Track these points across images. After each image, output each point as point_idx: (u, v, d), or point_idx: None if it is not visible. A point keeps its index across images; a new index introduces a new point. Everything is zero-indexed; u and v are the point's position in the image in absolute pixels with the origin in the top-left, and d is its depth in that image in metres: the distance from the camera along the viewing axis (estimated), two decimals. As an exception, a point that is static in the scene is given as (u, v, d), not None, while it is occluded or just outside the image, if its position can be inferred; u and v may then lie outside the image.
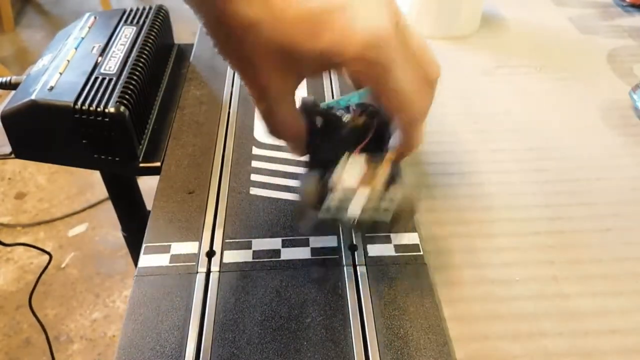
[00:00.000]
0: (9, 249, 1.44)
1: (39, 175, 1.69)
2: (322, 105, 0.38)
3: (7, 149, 0.46)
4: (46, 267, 0.65)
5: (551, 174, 0.45)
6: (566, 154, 0.47)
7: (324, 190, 0.33)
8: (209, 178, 0.41)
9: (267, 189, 0.41)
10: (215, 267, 0.35)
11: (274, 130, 0.34)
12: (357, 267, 0.35)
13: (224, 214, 0.39)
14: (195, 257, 0.36)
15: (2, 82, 0.51)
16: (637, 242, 0.40)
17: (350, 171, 0.33)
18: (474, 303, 0.36)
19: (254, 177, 0.42)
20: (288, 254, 0.36)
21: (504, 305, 0.36)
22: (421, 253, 0.36)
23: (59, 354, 1.23)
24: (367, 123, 0.37)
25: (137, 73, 0.46)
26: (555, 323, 0.35)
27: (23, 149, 0.46)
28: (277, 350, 0.30)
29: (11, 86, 0.50)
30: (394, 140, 0.35)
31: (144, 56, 0.48)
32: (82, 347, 1.26)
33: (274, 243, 0.37)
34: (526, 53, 0.61)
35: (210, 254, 0.36)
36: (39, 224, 1.54)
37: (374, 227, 0.32)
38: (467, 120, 0.51)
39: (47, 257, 0.64)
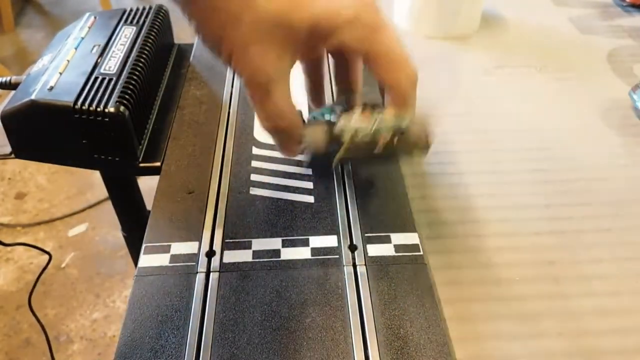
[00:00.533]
0: (9, 249, 1.44)
1: (39, 175, 1.69)
2: (309, 116, 0.39)
3: (7, 149, 0.46)
4: (46, 267, 0.64)
5: (551, 174, 0.45)
6: (566, 154, 0.47)
7: (330, 135, 0.34)
8: (209, 178, 0.41)
9: (267, 189, 0.41)
10: (215, 267, 0.35)
11: (268, 117, 0.34)
12: (357, 267, 0.35)
13: (224, 214, 0.39)
14: (195, 257, 0.36)
15: (2, 82, 0.51)
16: (637, 242, 0.40)
17: (356, 115, 0.34)
18: (474, 303, 0.36)
19: (254, 177, 0.42)
20: (288, 254, 0.36)
21: (504, 305, 0.36)
22: (421, 253, 0.36)
23: (59, 354, 1.23)
24: None
25: (137, 73, 0.46)
26: (555, 323, 0.35)
27: (23, 149, 0.46)
28: (277, 350, 0.30)
29: (11, 86, 0.50)
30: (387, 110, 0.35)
31: (144, 56, 0.48)
32: (82, 347, 1.26)
33: (274, 243, 0.37)
34: (526, 53, 0.61)
35: (210, 254, 0.36)
36: (39, 224, 1.54)
37: (388, 149, 0.33)
38: (467, 120, 0.51)
39: (47, 257, 0.64)
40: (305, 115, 0.41)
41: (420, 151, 0.34)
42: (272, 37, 0.31)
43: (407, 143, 0.34)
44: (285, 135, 0.35)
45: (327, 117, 0.38)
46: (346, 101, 0.39)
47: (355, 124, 0.33)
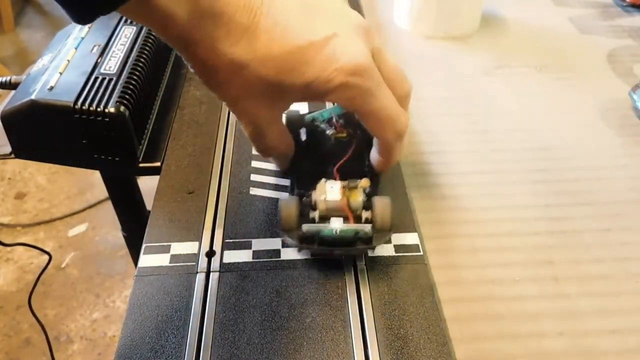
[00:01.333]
0: (9, 249, 1.44)
1: (39, 175, 1.69)
2: (307, 117, 0.40)
3: (7, 149, 0.46)
4: (46, 267, 0.65)
5: (551, 174, 0.45)
6: (566, 154, 0.47)
7: (304, 210, 0.35)
8: (209, 178, 0.41)
9: (267, 189, 0.41)
10: (215, 267, 0.35)
11: (263, 150, 0.37)
12: (357, 267, 0.35)
13: (224, 214, 0.39)
14: (195, 257, 0.36)
15: (2, 82, 0.51)
16: (637, 242, 0.40)
17: (330, 190, 0.35)
18: (474, 303, 0.36)
19: (254, 177, 0.42)
20: (288, 254, 0.36)
21: (504, 305, 0.36)
22: (421, 253, 0.36)
23: (59, 354, 1.23)
24: (350, 135, 0.39)
25: (137, 73, 0.46)
26: (555, 323, 0.35)
27: (23, 149, 0.46)
28: (277, 350, 0.30)
29: (11, 86, 0.50)
30: (374, 155, 0.37)
31: (144, 56, 0.48)
32: (82, 347, 1.26)
33: (274, 243, 0.37)
34: (526, 53, 0.61)
35: (210, 254, 0.36)
36: (39, 224, 1.54)
37: (355, 243, 0.34)
38: (467, 120, 0.51)
39: (47, 257, 0.64)
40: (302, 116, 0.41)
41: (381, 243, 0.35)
42: (263, 95, 0.32)
43: (367, 241, 0.34)
44: (279, 158, 0.39)
45: (325, 116, 0.39)
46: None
47: (325, 208, 0.34)
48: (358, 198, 0.35)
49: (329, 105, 0.42)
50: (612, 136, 0.49)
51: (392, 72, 0.34)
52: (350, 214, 0.34)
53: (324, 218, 0.34)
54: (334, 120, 0.40)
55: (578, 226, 0.41)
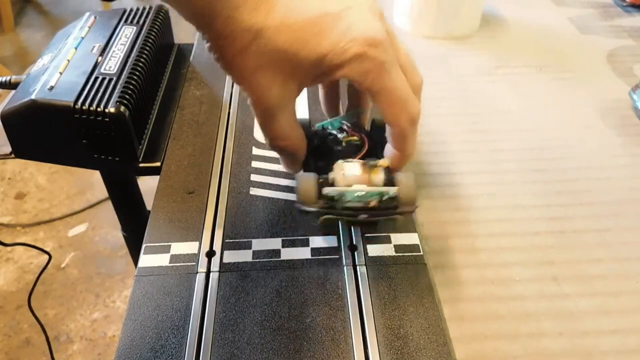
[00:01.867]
0: (9, 249, 1.44)
1: (39, 175, 1.69)
2: (317, 126, 0.39)
3: (7, 149, 0.46)
4: (45, 267, 0.65)
5: (551, 174, 0.45)
6: (566, 154, 0.47)
7: (322, 186, 0.33)
8: (209, 178, 0.41)
9: (267, 189, 0.41)
10: (215, 267, 0.35)
11: (273, 138, 0.35)
12: (357, 267, 0.35)
13: (224, 214, 0.39)
14: (195, 257, 0.36)
15: (2, 82, 0.51)
16: (637, 242, 0.40)
17: (348, 167, 0.33)
18: (474, 303, 0.36)
19: (254, 177, 0.42)
20: (288, 254, 0.36)
21: (504, 305, 0.36)
22: (421, 253, 0.36)
23: (58, 354, 1.23)
24: (362, 138, 0.38)
25: (137, 73, 0.46)
26: (555, 323, 0.35)
27: (23, 149, 0.46)
28: (277, 350, 0.30)
29: (11, 86, 0.50)
30: (388, 149, 0.35)
31: (144, 56, 0.48)
32: (82, 347, 1.26)
33: (274, 243, 0.37)
34: (526, 53, 0.61)
35: (210, 254, 0.36)
36: (39, 224, 1.54)
37: (381, 209, 0.32)
38: (467, 120, 0.51)
39: (47, 257, 0.64)
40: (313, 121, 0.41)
41: (405, 215, 0.34)
42: (277, 67, 0.32)
43: (394, 208, 0.33)
44: (289, 154, 0.37)
45: (335, 125, 0.38)
46: (354, 115, 0.39)
47: (345, 184, 0.33)
48: (379, 175, 0.33)
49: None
50: (612, 136, 0.49)
51: (405, 59, 0.34)
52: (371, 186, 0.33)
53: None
54: (345, 127, 0.39)
55: (578, 226, 0.41)
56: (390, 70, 0.32)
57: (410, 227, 0.37)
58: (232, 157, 0.43)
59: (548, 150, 0.48)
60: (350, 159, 0.34)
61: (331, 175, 0.34)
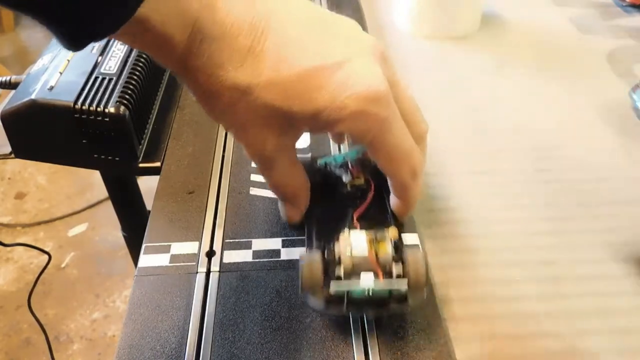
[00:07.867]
0: (8, 249, 1.44)
1: (39, 175, 1.69)
2: (319, 162, 0.38)
3: (7, 149, 0.46)
4: (45, 267, 0.65)
5: (551, 174, 0.45)
6: (566, 154, 0.47)
7: (328, 265, 0.30)
8: (209, 178, 0.41)
9: (267, 189, 0.41)
10: (215, 267, 0.35)
11: (273, 186, 0.34)
12: (357, 267, 0.35)
13: (224, 214, 0.39)
14: (195, 257, 0.36)
15: (2, 82, 0.51)
16: (637, 242, 0.40)
17: (355, 241, 0.31)
18: (474, 303, 0.36)
19: (254, 177, 0.42)
20: (288, 254, 0.36)
21: (504, 305, 0.36)
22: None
23: (58, 354, 1.23)
24: (367, 180, 0.36)
25: (137, 73, 0.46)
26: (555, 323, 0.35)
27: (23, 149, 0.46)
28: (277, 350, 0.30)
29: (11, 86, 0.50)
30: (393, 199, 0.34)
31: (144, 56, 0.48)
32: (82, 347, 1.26)
33: (274, 243, 0.37)
34: (526, 53, 0.61)
35: (210, 254, 0.36)
36: (39, 224, 1.54)
37: (389, 303, 0.30)
38: (467, 120, 0.51)
39: (47, 257, 0.64)
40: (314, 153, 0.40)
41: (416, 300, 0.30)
42: (270, 122, 0.30)
43: (402, 299, 0.30)
44: (290, 201, 0.35)
45: (338, 160, 0.37)
46: (359, 152, 0.37)
47: (351, 265, 0.30)
48: (387, 251, 0.30)
49: (341, 149, 0.41)
50: (612, 136, 0.49)
51: (409, 108, 0.32)
52: (379, 269, 0.30)
53: (349, 274, 0.30)
54: (349, 165, 0.37)
55: (578, 226, 0.41)
56: (391, 126, 0.30)
57: (410, 227, 0.37)
58: (232, 157, 0.44)
59: (548, 150, 0.48)
60: (356, 229, 0.31)
61: (336, 249, 0.30)
